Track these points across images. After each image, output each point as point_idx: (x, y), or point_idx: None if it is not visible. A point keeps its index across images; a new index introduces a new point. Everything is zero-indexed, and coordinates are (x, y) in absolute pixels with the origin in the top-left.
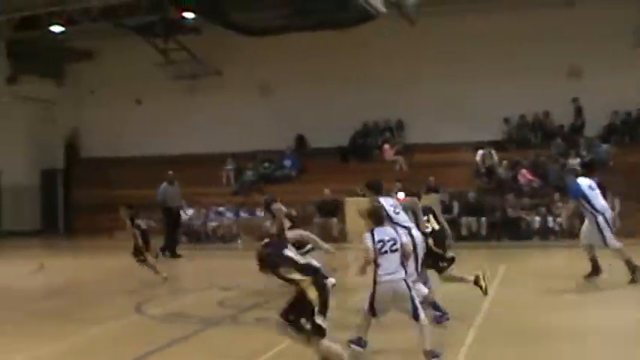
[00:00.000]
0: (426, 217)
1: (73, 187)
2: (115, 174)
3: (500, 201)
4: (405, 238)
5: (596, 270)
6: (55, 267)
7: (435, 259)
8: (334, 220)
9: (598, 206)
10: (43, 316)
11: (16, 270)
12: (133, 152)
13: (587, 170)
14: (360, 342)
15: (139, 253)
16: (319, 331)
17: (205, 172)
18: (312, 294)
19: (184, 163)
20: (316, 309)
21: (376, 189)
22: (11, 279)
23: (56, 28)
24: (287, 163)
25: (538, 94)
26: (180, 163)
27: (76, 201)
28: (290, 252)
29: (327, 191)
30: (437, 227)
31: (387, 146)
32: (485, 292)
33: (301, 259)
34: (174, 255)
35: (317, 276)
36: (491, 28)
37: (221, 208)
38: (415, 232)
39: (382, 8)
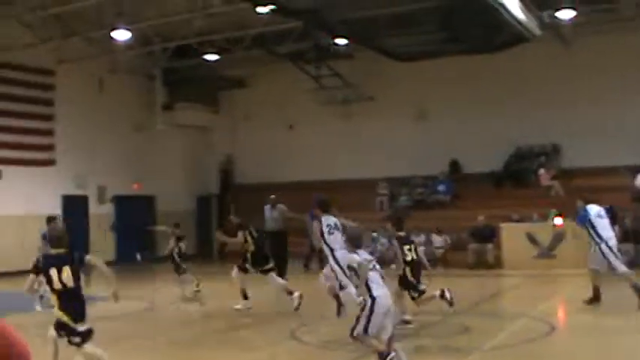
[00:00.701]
0: (407, 247)
1: (227, 213)
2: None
3: None
4: None
5: (597, 297)
6: (210, 292)
7: (409, 287)
8: (489, 246)
9: (603, 235)
10: (198, 340)
11: (174, 295)
12: (285, 178)
13: None
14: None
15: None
16: None
17: (358, 197)
18: None
19: (337, 189)
20: None
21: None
22: (167, 304)
23: (210, 57)
24: (441, 188)
25: None
26: (333, 189)
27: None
28: None
29: (481, 218)
30: (415, 257)
31: (542, 171)
32: (451, 304)
33: None
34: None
35: None
36: None
37: (374, 234)
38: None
39: (537, 31)
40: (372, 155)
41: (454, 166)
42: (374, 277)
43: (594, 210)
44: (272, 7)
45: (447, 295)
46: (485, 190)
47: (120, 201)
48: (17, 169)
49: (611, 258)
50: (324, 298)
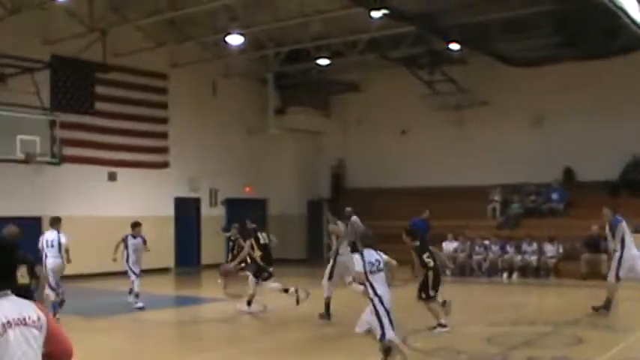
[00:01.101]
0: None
1: (338, 217)
2: (378, 205)
3: None
4: None
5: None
6: (321, 296)
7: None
8: (603, 256)
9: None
10: (307, 345)
11: (286, 298)
12: (396, 183)
13: None
14: None
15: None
16: None
17: (470, 204)
18: None
19: (449, 195)
20: None
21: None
22: (282, 307)
23: (323, 61)
24: (554, 196)
25: None
26: (445, 195)
27: None
28: None
29: (594, 227)
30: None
31: None
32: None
33: None
34: None
35: None
36: None
37: (486, 241)
38: None
39: None
40: (484, 161)
41: (568, 173)
42: (378, 277)
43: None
44: (385, 11)
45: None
46: (600, 199)
47: (231, 204)
48: (132, 171)
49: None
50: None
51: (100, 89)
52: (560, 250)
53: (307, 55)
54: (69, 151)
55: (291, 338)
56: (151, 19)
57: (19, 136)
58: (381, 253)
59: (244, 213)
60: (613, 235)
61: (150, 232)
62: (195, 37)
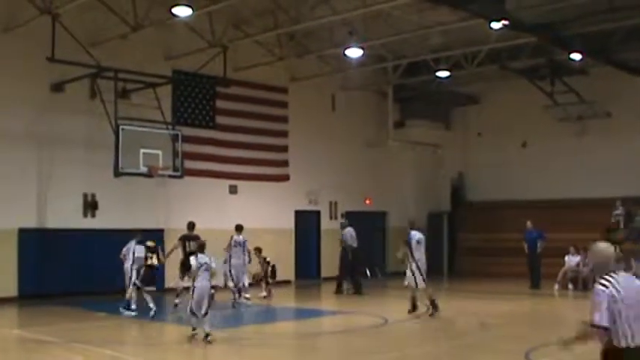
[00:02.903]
0: None
1: (458, 230)
2: (499, 217)
3: None
4: None
5: None
6: (442, 310)
7: None
8: None
9: None
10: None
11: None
12: (518, 196)
13: None
14: None
15: None
16: None
17: (593, 216)
18: None
19: (570, 207)
20: None
21: None
22: (400, 321)
23: (442, 73)
24: None
25: None
26: (566, 207)
27: (460, 244)
28: None
29: None
30: None
31: None
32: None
33: None
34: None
35: None
36: None
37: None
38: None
39: None
40: (607, 173)
41: None
42: None
43: None
44: (505, 22)
45: None
46: None
47: (351, 216)
48: (252, 184)
49: None
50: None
51: (220, 103)
52: None
53: (426, 68)
54: (191, 164)
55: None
56: (270, 33)
57: (142, 150)
58: None
59: (364, 226)
60: None
61: (270, 244)
62: (314, 50)
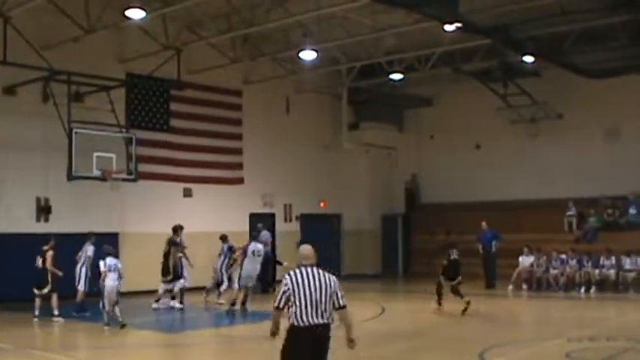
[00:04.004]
0: None
1: (412, 232)
2: (453, 219)
3: None
4: None
5: None
6: (396, 311)
7: None
8: None
9: None
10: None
11: (360, 313)
12: (472, 197)
13: None
14: None
15: None
16: None
17: (546, 217)
18: None
19: (524, 208)
20: None
21: None
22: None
23: (396, 76)
24: (632, 209)
25: None
26: (520, 208)
27: (414, 246)
28: None
29: None
30: None
31: None
32: None
33: None
34: None
35: None
36: None
37: (563, 256)
38: None
39: None
40: (560, 174)
41: None
42: None
43: None
44: (459, 24)
45: None
46: None
47: (306, 219)
48: (207, 187)
49: None
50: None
51: (175, 106)
52: (639, 264)
53: (380, 70)
54: (145, 167)
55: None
56: (224, 36)
57: (95, 154)
58: None
59: (319, 228)
60: None
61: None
62: (268, 53)
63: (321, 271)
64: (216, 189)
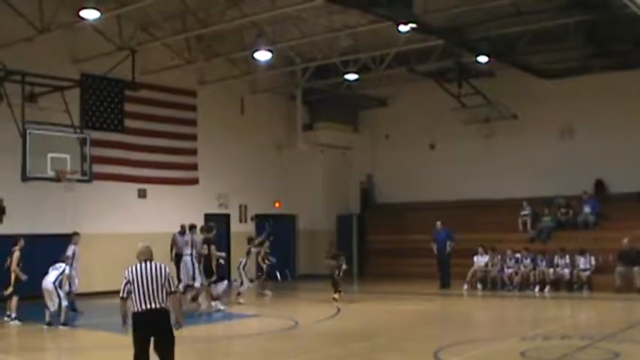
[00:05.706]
0: None
1: (367, 232)
2: (409, 219)
3: None
4: None
5: None
6: (351, 312)
7: None
8: (636, 269)
9: None
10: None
11: (315, 314)
12: (427, 197)
13: None
14: None
15: None
16: None
17: (501, 217)
18: None
19: (479, 208)
20: None
21: None
22: (310, 323)
23: (351, 76)
24: (586, 209)
25: None
26: (475, 208)
27: (369, 246)
28: None
29: (625, 240)
30: None
31: None
32: None
33: None
34: None
35: None
36: None
37: (517, 255)
38: None
39: None
40: (514, 174)
41: (599, 186)
42: None
43: None
44: (413, 25)
45: None
46: (633, 212)
47: (261, 219)
48: (161, 187)
49: None
50: (464, 319)
51: (129, 107)
52: (593, 263)
53: (335, 70)
54: (99, 168)
55: (329, 354)
56: (179, 36)
57: (49, 154)
58: None
59: (274, 229)
60: None
61: None
62: (223, 53)
63: (155, 264)
64: (171, 189)
